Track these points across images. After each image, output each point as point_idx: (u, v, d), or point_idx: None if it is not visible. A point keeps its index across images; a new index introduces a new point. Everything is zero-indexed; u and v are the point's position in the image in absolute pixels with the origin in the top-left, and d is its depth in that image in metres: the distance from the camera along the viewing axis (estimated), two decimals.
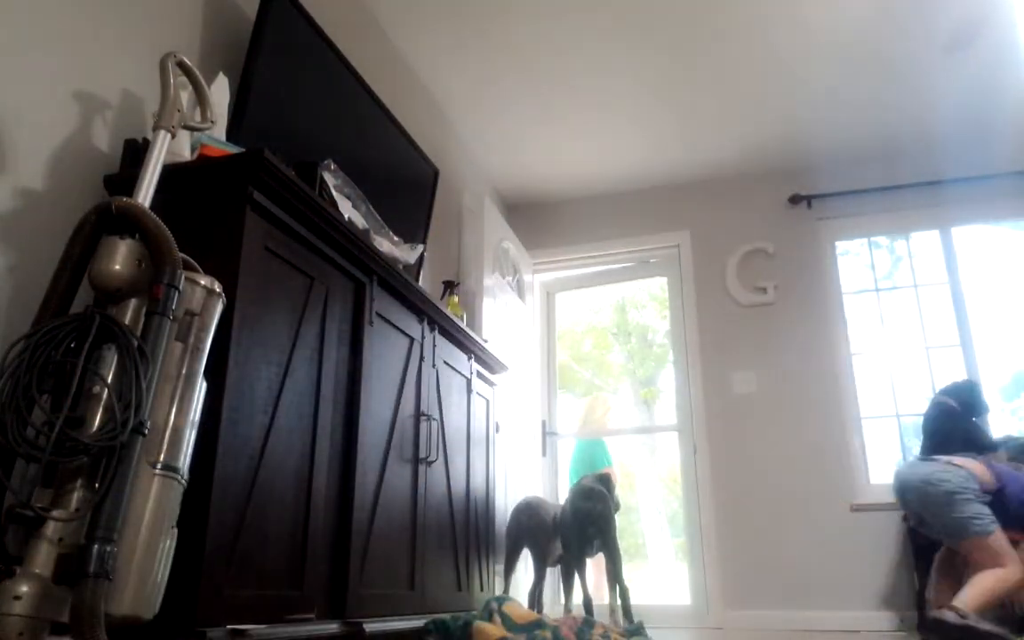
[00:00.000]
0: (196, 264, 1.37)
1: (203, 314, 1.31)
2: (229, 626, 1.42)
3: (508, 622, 2.20)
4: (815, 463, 4.11)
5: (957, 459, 2.74)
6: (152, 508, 1.14)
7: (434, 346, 2.62)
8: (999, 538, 2.67)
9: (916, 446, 3.79)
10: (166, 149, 1.46)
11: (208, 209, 1.63)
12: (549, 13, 3.34)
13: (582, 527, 3.11)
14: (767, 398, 4.29)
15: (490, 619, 2.21)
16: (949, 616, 2.63)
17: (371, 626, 1.92)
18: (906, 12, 3.33)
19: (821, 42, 3.53)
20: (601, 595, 3.39)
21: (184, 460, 1.22)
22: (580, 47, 3.56)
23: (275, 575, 1.61)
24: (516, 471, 3.94)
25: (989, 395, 3.64)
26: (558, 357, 5.04)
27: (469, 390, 2.94)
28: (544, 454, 4.58)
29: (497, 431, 3.32)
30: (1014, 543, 2.66)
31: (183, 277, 1.27)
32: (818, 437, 4.14)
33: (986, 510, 2.63)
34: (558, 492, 4.63)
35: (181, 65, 1.57)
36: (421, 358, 2.49)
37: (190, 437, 1.24)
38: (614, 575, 3.10)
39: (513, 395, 4.05)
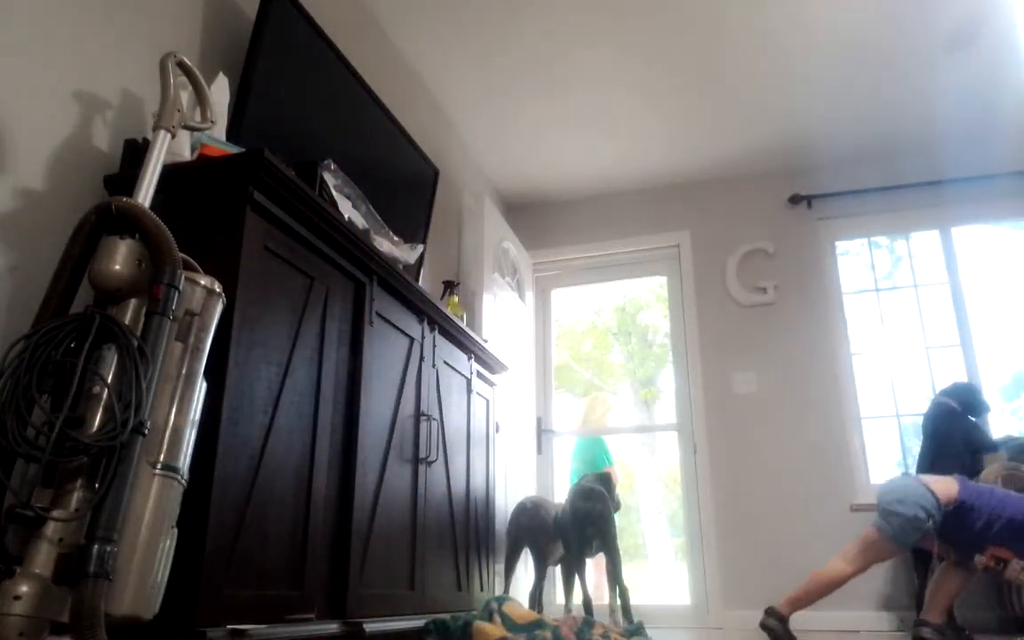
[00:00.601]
0: (196, 264, 1.37)
1: (203, 314, 1.31)
2: (229, 626, 1.42)
3: (508, 622, 2.20)
4: (815, 463, 4.11)
5: (926, 478, 2.79)
6: (152, 508, 1.14)
7: (434, 346, 2.62)
8: (876, 540, 2.76)
9: (916, 446, 3.79)
10: (166, 149, 1.46)
11: (208, 209, 1.63)
12: (550, 14, 3.34)
13: (581, 527, 3.11)
14: (767, 398, 4.29)
15: (490, 619, 2.21)
16: (925, 632, 2.76)
17: (371, 626, 1.92)
18: (906, 12, 3.33)
19: (821, 42, 3.53)
20: (601, 595, 3.39)
21: (184, 460, 1.22)
22: (580, 47, 3.56)
23: (275, 575, 1.61)
24: (513, 469, 3.95)
25: (989, 395, 3.64)
26: (555, 355, 5.05)
27: (469, 390, 2.94)
28: (540, 452, 4.58)
29: (497, 431, 3.32)
30: (1002, 561, 2.67)
31: (183, 277, 1.27)
32: (818, 437, 4.14)
33: (910, 525, 2.67)
34: (554, 490, 4.63)
35: (181, 65, 1.57)
36: (421, 358, 2.49)
37: (190, 437, 1.24)
38: (614, 575, 3.10)
39: (512, 394, 4.05)
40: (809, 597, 2.85)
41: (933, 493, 2.68)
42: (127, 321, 1.21)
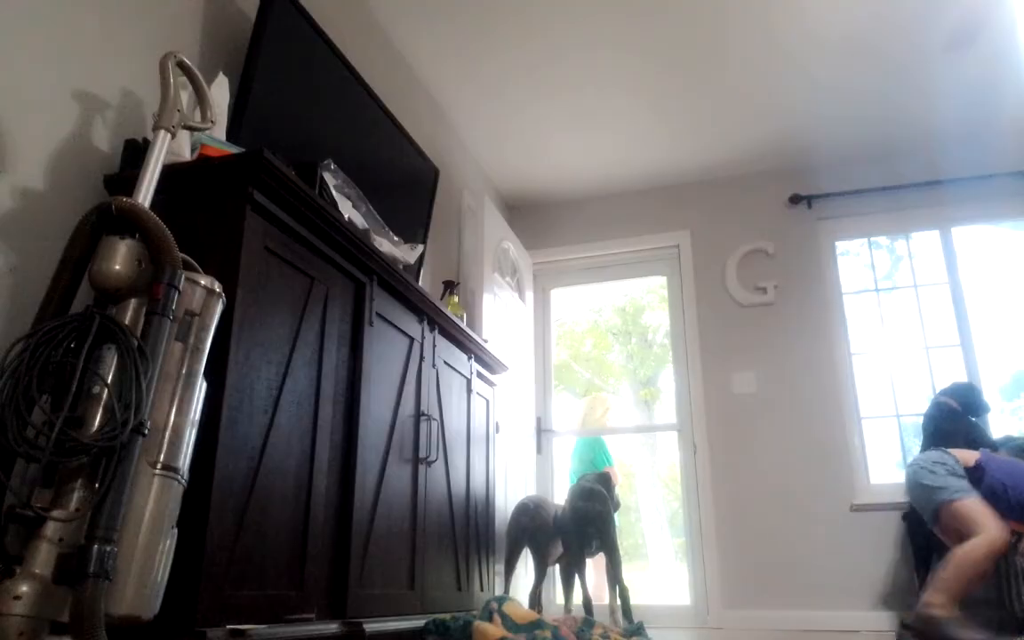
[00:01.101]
0: (196, 264, 1.37)
1: (203, 314, 1.31)
2: (229, 626, 1.41)
3: (508, 622, 2.20)
4: (815, 463, 4.11)
5: (949, 448, 2.86)
6: (152, 508, 1.14)
7: (434, 346, 2.62)
8: (970, 505, 2.68)
9: (916, 446, 3.79)
10: (166, 149, 1.46)
11: (208, 209, 1.63)
12: (550, 14, 3.34)
13: (581, 527, 3.12)
14: (767, 398, 4.29)
15: (490, 619, 2.21)
16: (933, 614, 2.64)
17: (371, 626, 1.92)
18: (906, 12, 3.33)
19: (821, 42, 3.53)
20: (601, 595, 3.39)
21: (184, 460, 1.22)
22: (580, 48, 3.56)
23: (275, 575, 1.61)
24: (513, 469, 3.95)
25: (989, 395, 3.64)
26: (555, 354, 5.05)
27: (469, 390, 2.94)
28: (540, 452, 4.58)
29: (497, 431, 3.32)
30: (1017, 534, 2.69)
31: (183, 277, 1.27)
32: (818, 437, 4.14)
33: (957, 481, 2.72)
34: (554, 490, 4.64)
35: (181, 65, 1.57)
36: (421, 358, 2.49)
37: (190, 437, 1.24)
38: (614, 575, 3.10)
39: (512, 394, 4.05)
40: (964, 583, 2.63)
41: (950, 454, 2.74)
42: (127, 321, 1.21)
